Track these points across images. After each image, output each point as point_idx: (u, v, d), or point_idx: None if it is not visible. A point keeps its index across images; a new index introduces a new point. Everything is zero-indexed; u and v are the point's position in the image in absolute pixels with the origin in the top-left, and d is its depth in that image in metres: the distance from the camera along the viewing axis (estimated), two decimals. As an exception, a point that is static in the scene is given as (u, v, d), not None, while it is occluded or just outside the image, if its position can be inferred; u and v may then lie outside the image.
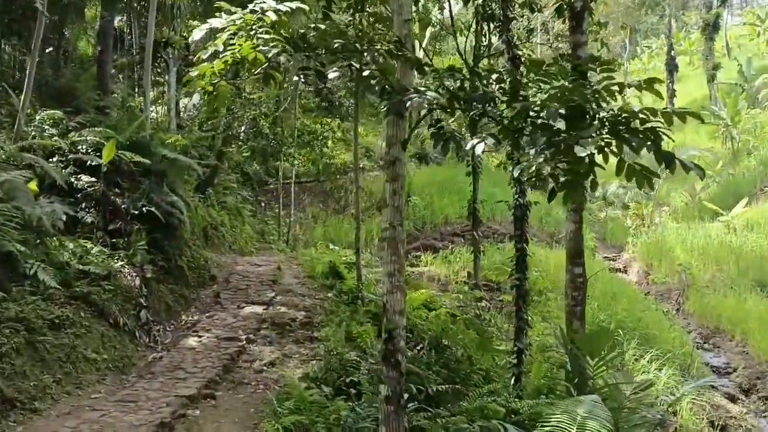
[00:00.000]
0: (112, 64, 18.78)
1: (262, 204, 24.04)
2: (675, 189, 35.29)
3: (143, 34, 20.07)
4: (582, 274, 7.36)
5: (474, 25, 13.02)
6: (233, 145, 19.53)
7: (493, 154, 34.53)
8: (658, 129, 3.59)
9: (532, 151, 3.92)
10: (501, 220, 25.39)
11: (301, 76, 4.43)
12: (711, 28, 47.39)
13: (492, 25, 11.37)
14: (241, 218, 19.23)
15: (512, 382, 9.19)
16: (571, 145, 3.64)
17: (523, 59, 9.82)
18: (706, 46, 50.10)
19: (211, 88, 4.35)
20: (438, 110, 4.54)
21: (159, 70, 23.21)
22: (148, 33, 16.94)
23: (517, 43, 10.07)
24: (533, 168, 3.91)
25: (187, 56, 21.49)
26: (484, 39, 12.96)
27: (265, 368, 9.05)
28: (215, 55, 4.35)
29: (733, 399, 15.56)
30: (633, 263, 24.88)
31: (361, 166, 29.36)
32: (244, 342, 9.74)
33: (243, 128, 18.75)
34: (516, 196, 9.61)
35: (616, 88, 3.63)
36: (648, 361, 14.37)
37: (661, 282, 23.64)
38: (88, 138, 11.25)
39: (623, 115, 3.59)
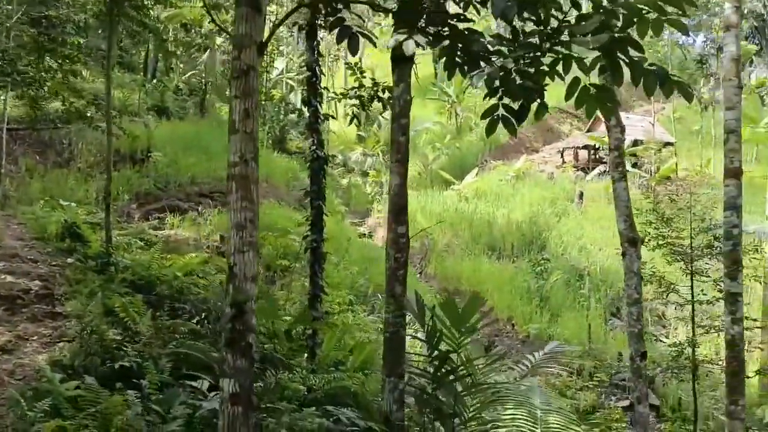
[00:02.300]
0: None
1: (-42, 152, 19.62)
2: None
3: None
4: (405, 234, 6.60)
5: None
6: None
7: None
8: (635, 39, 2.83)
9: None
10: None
11: None
12: (440, 11, 50.39)
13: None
14: (-68, 166, 15.30)
15: (306, 355, 8.22)
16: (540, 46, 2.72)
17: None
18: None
19: None
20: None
21: None
22: None
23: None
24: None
25: None
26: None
27: (-6, 356, 6.87)
28: None
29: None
30: (378, 228, 25.40)
31: (89, 115, 25.85)
32: (-41, 323, 7.35)
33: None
34: (313, 147, 8.52)
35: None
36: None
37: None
38: None
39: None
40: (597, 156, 31.69)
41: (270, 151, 29.36)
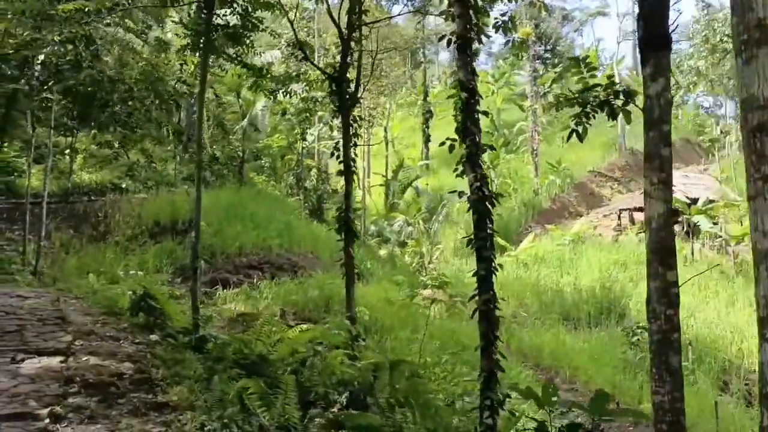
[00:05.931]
0: None
1: (-8, 227, 18.21)
2: (446, 228, 35.60)
3: None
4: (677, 282, 4.81)
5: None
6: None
7: (273, 182, 31.57)
8: None
9: None
10: (298, 251, 22.51)
11: None
12: (464, 81, 50.08)
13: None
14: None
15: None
16: None
17: None
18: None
19: None
20: None
21: None
22: None
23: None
24: None
25: None
26: None
27: (100, 468, 4.97)
28: None
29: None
30: (436, 300, 23.48)
31: (123, 186, 24.48)
32: (47, 420, 5.47)
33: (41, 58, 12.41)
34: (477, 185, 6.82)
35: None
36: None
37: (467, 318, 22.57)
38: None
39: None
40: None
41: (308, 222, 27.83)
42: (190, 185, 25.34)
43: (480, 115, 7.10)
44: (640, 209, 31.53)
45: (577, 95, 5.09)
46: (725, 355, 17.51)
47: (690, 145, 47.41)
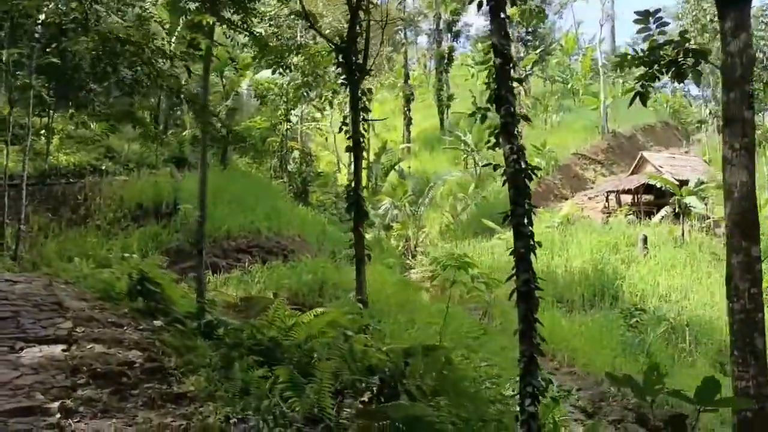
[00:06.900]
0: None
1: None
2: (430, 212, 35.25)
3: None
4: (760, 257, 4.41)
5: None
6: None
7: (256, 165, 30.83)
8: None
9: None
10: (287, 235, 21.97)
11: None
12: (446, 61, 49.63)
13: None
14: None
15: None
16: None
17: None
18: (436, 79, 52.41)
19: None
20: None
21: None
22: None
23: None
24: None
25: None
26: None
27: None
28: None
29: (583, 424, 14.00)
30: (428, 281, 23.19)
31: (103, 168, 23.59)
32: (58, 415, 4.93)
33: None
34: (513, 157, 6.37)
35: None
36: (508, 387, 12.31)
37: (461, 298, 22.25)
38: None
39: None
40: (638, 199, 29.93)
41: (293, 205, 27.23)
42: (171, 167, 24.55)
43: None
44: (627, 191, 31.48)
45: (645, 54, 4.64)
46: (720, 336, 17.39)
47: (669, 128, 47.54)
